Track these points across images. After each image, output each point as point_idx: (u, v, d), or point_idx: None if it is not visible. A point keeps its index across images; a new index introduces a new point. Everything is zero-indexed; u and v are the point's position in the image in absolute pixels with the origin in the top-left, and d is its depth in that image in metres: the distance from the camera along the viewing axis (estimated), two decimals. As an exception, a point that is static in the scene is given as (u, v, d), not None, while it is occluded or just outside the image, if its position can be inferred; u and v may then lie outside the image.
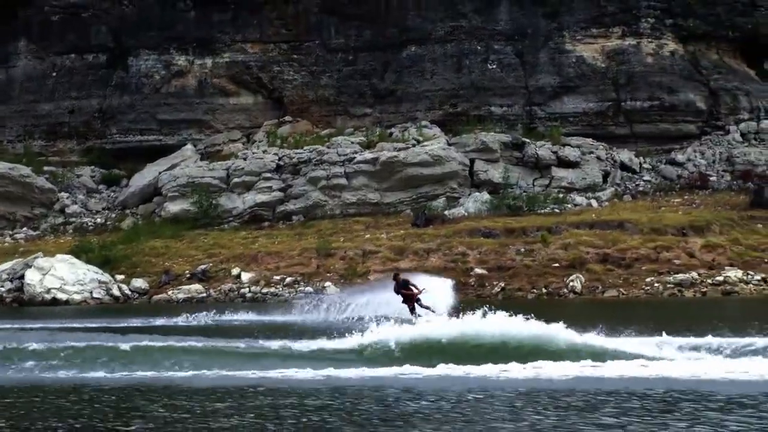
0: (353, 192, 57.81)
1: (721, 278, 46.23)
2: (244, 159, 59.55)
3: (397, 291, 30.44)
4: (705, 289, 45.30)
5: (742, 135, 62.31)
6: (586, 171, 58.94)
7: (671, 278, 46.39)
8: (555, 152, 58.98)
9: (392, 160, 57.32)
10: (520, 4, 63.97)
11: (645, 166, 60.44)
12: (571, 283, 46.34)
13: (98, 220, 60.01)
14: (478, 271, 48.55)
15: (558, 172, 58.73)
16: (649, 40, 63.13)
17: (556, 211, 55.75)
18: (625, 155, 60.54)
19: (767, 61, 67.82)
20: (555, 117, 62.16)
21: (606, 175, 59.67)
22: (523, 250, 49.94)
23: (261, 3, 65.56)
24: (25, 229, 59.27)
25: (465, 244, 51.14)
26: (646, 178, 59.62)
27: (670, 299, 43.78)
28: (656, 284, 46.07)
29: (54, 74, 66.39)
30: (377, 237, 53.07)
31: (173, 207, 58.47)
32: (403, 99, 63.30)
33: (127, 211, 60.77)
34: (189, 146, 62.51)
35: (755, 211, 54.51)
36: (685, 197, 57.41)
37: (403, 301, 30.36)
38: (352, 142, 59.42)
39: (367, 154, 57.97)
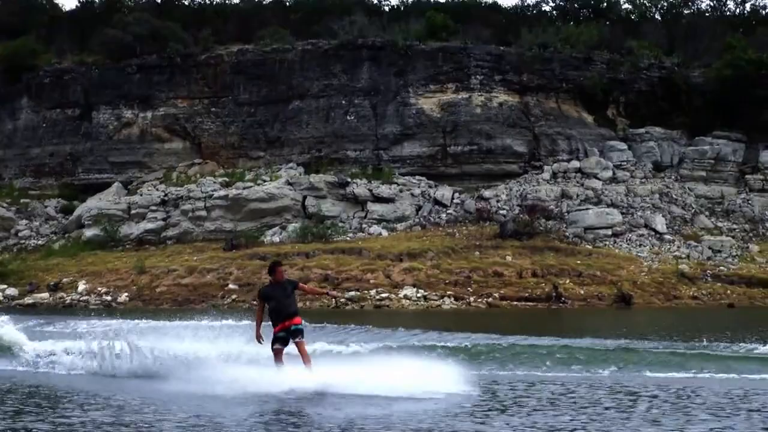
0: (212, 222, 72.91)
1: (385, 295, 58.77)
2: (140, 195, 75.80)
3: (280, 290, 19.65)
4: (364, 303, 57.93)
5: (554, 174, 72.84)
6: (398, 206, 71.47)
7: (345, 294, 59.16)
8: (370, 190, 71.81)
9: (238, 196, 72.18)
10: (378, 65, 76.95)
11: (455, 201, 72.10)
12: (276, 298, 59.77)
13: (39, 242, 77.56)
14: (231, 286, 62.67)
15: (373, 207, 71.59)
16: (479, 93, 74.63)
17: (347, 239, 68.82)
18: (440, 192, 72.44)
19: (610, 109, 77.80)
20: (396, 159, 74.84)
21: (419, 209, 71.95)
22: (273, 271, 63.48)
23: (190, 66, 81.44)
24: (-20, 248, 77.78)
25: (236, 265, 65.24)
26: (450, 211, 71.32)
27: (331, 310, 56.42)
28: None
29: (44, 125, 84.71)
30: (187, 259, 68.01)
31: (88, 232, 75.09)
32: (285, 144, 77.60)
33: (67, 235, 77.94)
34: (116, 184, 79.01)
35: (495, 240, 65.87)
36: (460, 228, 68.92)
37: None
38: (214, 182, 74.50)
39: (221, 192, 73.01)
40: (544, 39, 78.02)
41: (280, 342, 19.19)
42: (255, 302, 58.29)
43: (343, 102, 76.95)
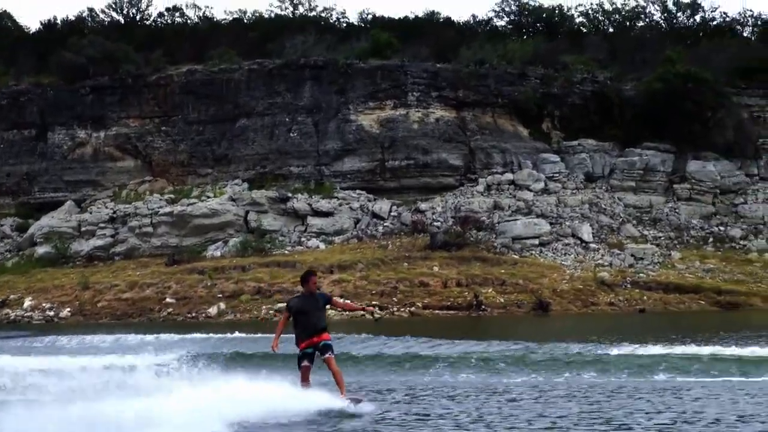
0: (158, 238, 75.27)
1: (312, 307, 60.93)
2: (90, 213, 78.21)
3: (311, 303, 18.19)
4: (291, 315, 60.09)
5: (488, 186, 75.16)
6: (336, 219, 73.83)
7: (274, 306, 61.52)
8: (310, 204, 74.20)
9: (183, 212, 74.57)
10: (319, 84, 79.50)
11: (393, 214, 74.39)
12: (209, 310, 62.36)
13: (-7, 260, 79.96)
14: (168, 300, 65.02)
15: (312, 221, 73.96)
16: (417, 109, 77.09)
17: (285, 252, 71.17)
18: (378, 205, 74.75)
19: (545, 122, 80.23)
20: (338, 174, 77.29)
21: (357, 222, 74.28)
22: (209, 284, 65.98)
23: (141, 87, 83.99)
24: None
25: (175, 280, 67.59)
26: (387, 224, 73.60)
27: (263, 321, 58.48)
28: (263, 309, 61.50)
29: (1, 145, 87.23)
30: (130, 274, 70.34)
31: (40, 250, 77.50)
32: (232, 161, 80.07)
33: (21, 253, 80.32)
34: (69, 202, 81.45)
35: (425, 252, 68.13)
36: (394, 240, 71.19)
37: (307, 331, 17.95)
38: (160, 199, 76.91)
39: (167, 208, 75.40)
40: (482, 55, 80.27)
41: (307, 359, 17.84)
42: (192, 315, 61.70)
43: (287, 119, 79.45)
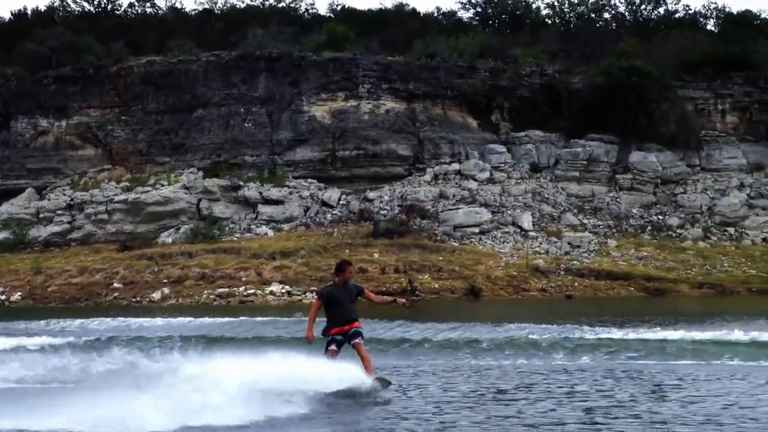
0: (113, 224, 77.17)
1: (252, 291, 62.86)
2: (48, 200, 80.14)
3: (345, 293, 18.26)
4: (231, 300, 62.04)
5: (435, 176, 77.00)
6: (286, 207, 75.69)
7: (215, 291, 63.37)
8: (261, 192, 76.08)
9: (137, 200, 76.47)
10: (273, 76, 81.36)
11: (342, 202, 76.27)
12: (153, 294, 64.14)
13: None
14: (116, 285, 66.74)
15: (263, 208, 75.82)
16: (368, 101, 78.95)
17: (233, 239, 73.03)
18: (327, 194, 76.62)
19: (494, 114, 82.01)
20: (290, 164, 79.18)
21: (307, 210, 76.14)
22: (155, 269, 67.77)
23: (102, 77, 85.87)
24: None
25: (124, 265, 69.37)
26: (335, 212, 75.47)
27: (203, 306, 60.17)
28: (204, 294, 63.25)
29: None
30: (83, 260, 72.15)
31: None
32: (189, 150, 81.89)
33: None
34: (29, 189, 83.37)
35: (367, 239, 69.96)
36: (340, 228, 73.02)
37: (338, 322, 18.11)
38: (116, 186, 78.80)
39: (122, 196, 77.30)
40: (434, 49, 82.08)
41: (335, 344, 18.04)
42: (136, 300, 63.38)
43: (242, 110, 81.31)
